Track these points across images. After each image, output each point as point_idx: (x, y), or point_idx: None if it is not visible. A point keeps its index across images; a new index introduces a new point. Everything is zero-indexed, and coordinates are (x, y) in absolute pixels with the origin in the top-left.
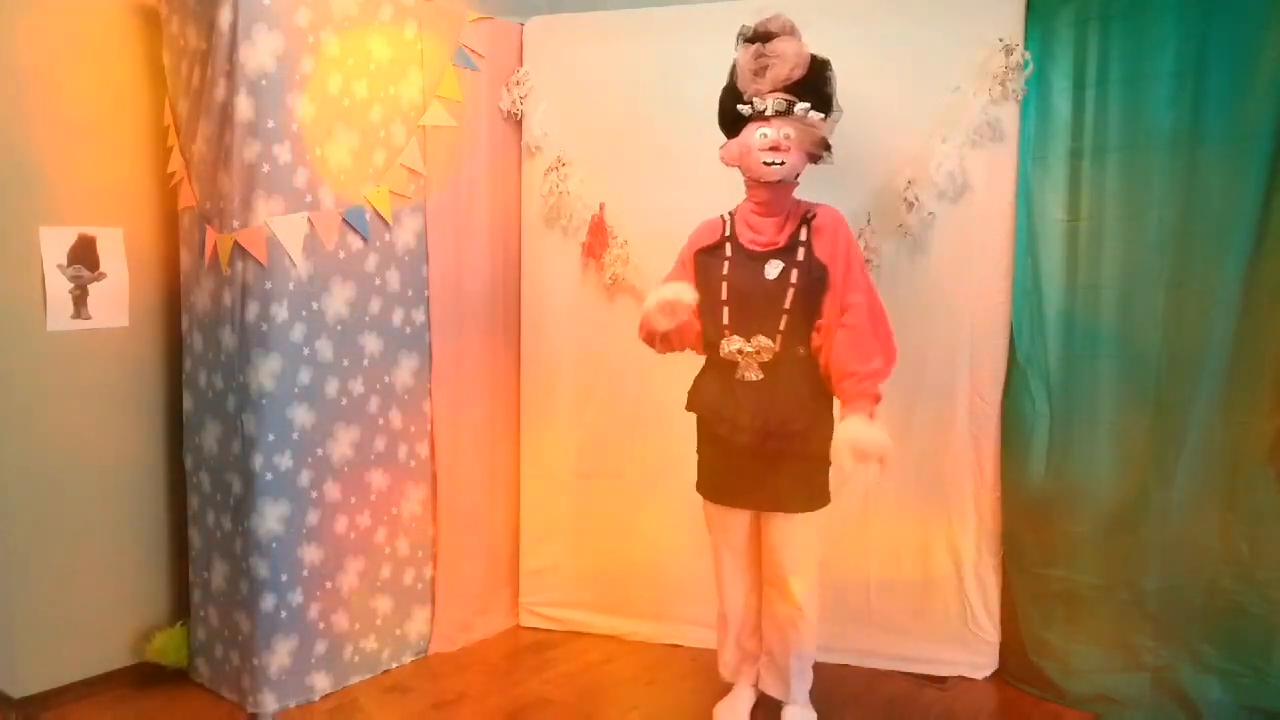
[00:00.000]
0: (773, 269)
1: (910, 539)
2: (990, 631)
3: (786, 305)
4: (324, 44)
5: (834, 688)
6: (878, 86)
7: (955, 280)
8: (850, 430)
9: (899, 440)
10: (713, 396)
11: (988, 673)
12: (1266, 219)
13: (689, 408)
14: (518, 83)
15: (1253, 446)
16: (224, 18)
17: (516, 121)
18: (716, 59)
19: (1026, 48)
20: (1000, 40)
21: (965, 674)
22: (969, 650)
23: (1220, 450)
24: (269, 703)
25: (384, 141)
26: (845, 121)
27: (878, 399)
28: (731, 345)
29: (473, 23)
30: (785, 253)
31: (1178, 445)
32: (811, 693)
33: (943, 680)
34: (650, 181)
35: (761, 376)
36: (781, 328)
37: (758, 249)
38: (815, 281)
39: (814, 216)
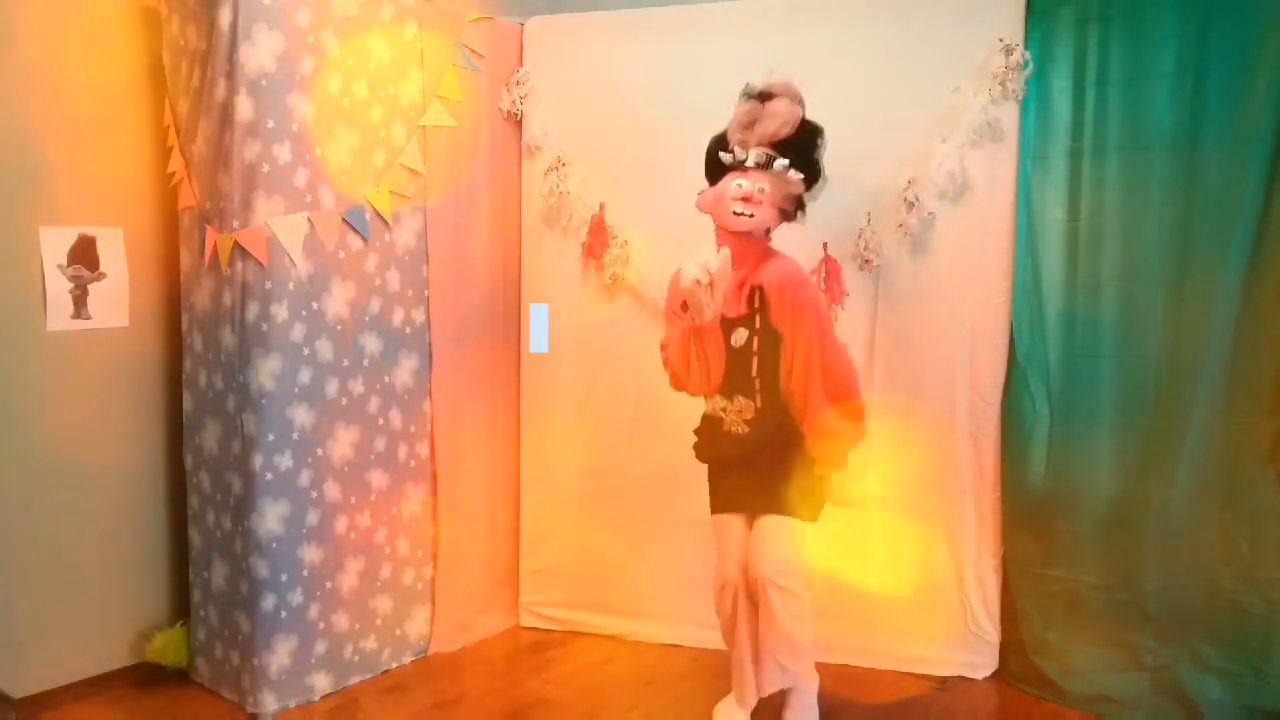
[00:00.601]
0: (738, 337)
1: (910, 539)
2: (990, 631)
3: (754, 372)
4: (324, 44)
5: (834, 688)
6: (878, 86)
7: (955, 280)
8: (837, 499)
9: (899, 440)
10: (707, 448)
11: (988, 673)
12: (1266, 219)
13: (699, 458)
14: (518, 83)
15: (1253, 446)
16: (224, 18)
17: (516, 121)
18: (717, 59)
19: (1026, 48)
20: (1000, 40)
21: (965, 674)
22: (969, 650)
23: (1220, 450)
24: (269, 703)
25: (384, 141)
26: (846, 121)
27: (843, 461)
28: (716, 404)
29: (473, 23)
30: (747, 320)
31: (1178, 445)
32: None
33: (943, 680)
34: (650, 181)
35: (748, 430)
36: (758, 388)
37: (726, 315)
38: (776, 344)
39: (760, 286)
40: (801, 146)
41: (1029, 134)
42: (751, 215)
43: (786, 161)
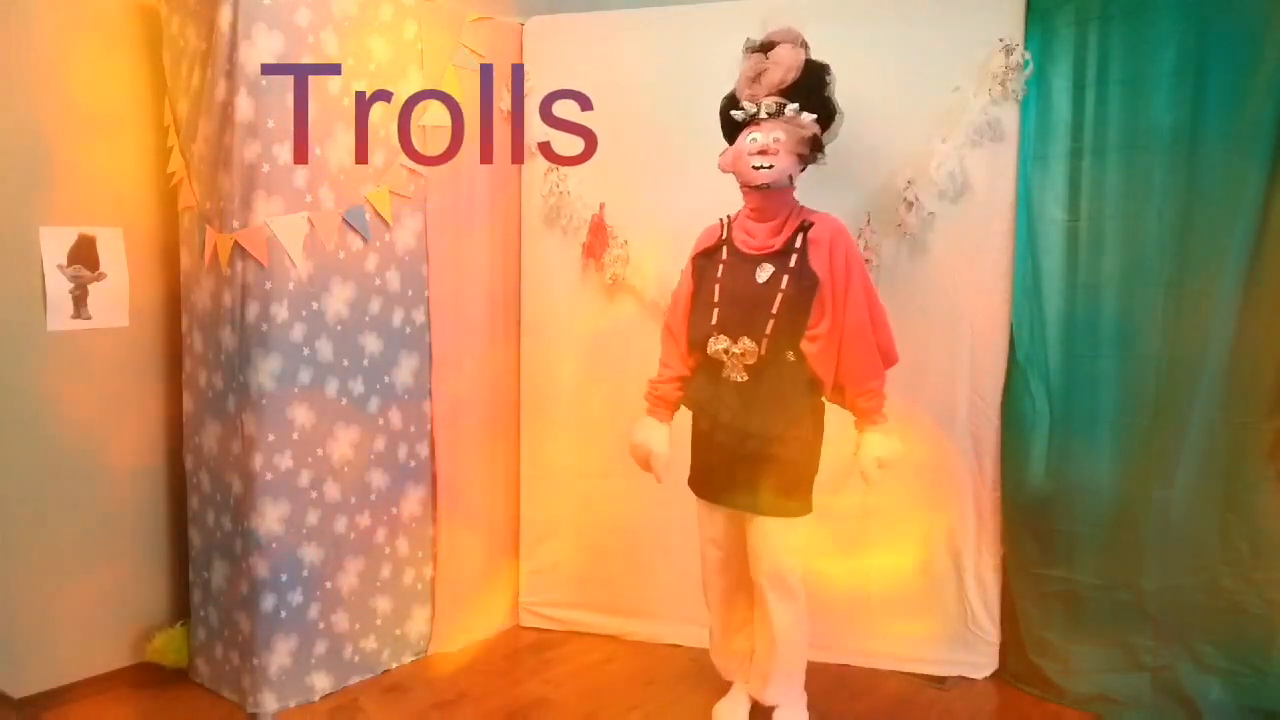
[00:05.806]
0: (763, 273)
1: (910, 539)
2: (990, 631)
3: (774, 310)
4: (324, 44)
5: (834, 688)
6: (878, 86)
7: (955, 280)
8: (875, 447)
9: (899, 440)
10: (699, 391)
11: (988, 673)
12: (1266, 219)
13: (684, 402)
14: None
15: (1253, 446)
16: (224, 18)
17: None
18: (716, 59)
19: (1026, 48)
20: (1000, 40)
21: (965, 674)
22: (969, 650)
23: (1220, 450)
24: (269, 703)
25: (384, 141)
26: (846, 121)
27: (883, 408)
28: (718, 345)
29: (473, 23)
30: (778, 257)
31: (1178, 445)
32: (811, 692)
33: (943, 680)
34: (650, 181)
35: (746, 378)
36: (768, 331)
37: (752, 251)
38: (805, 290)
39: (811, 226)
40: (810, 88)
41: (1029, 134)
42: (770, 166)
43: (796, 105)
